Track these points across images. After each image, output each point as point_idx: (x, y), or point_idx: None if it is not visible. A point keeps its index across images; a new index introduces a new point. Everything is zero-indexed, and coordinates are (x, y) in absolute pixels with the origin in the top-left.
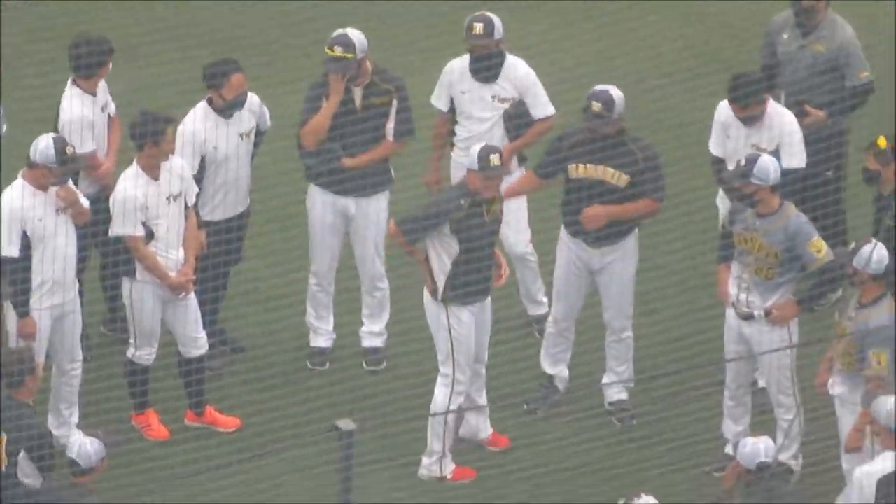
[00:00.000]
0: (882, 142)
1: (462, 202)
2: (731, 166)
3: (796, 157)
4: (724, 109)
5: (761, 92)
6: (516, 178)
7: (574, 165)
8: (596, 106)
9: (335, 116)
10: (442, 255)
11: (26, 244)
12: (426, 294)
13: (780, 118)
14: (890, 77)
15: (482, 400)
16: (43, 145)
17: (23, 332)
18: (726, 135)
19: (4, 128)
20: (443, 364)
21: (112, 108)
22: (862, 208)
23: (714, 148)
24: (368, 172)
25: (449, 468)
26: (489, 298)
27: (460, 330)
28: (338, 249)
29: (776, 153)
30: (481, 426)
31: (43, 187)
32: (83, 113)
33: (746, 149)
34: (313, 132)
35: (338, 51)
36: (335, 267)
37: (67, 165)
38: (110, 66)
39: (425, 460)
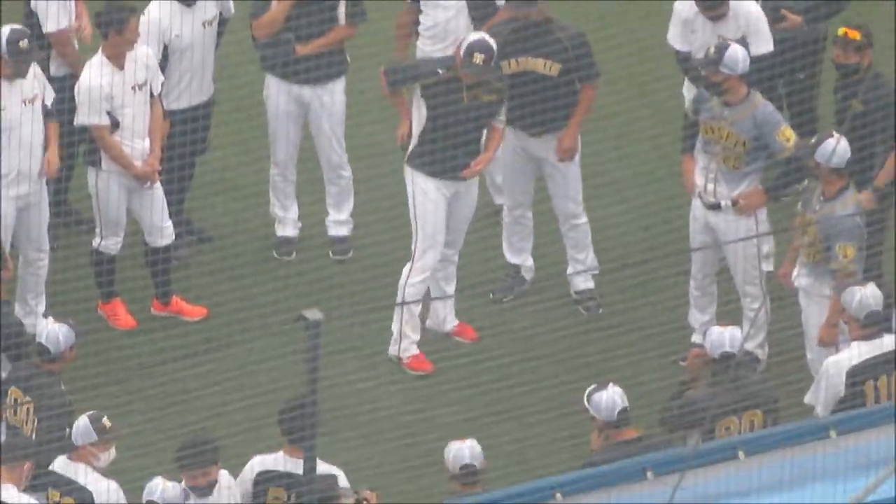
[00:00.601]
0: (850, 33)
1: (439, 70)
2: (700, 56)
3: (763, 44)
4: (686, 5)
5: None
6: None
7: (506, 62)
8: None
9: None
10: (417, 117)
11: None
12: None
13: (745, 7)
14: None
15: (450, 289)
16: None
17: None
18: (690, 30)
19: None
20: (413, 239)
21: None
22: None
23: (677, 43)
24: (323, 60)
25: (407, 352)
26: (471, 186)
27: (423, 200)
28: (296, 138)
29: (743, 41)
30: (448, 317)
31: (7, 76)
32: None
33: (713, 40)
34: (268, 24)
35: None
36: (295, 155)
37: (20, 56)
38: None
39: (391, 340)
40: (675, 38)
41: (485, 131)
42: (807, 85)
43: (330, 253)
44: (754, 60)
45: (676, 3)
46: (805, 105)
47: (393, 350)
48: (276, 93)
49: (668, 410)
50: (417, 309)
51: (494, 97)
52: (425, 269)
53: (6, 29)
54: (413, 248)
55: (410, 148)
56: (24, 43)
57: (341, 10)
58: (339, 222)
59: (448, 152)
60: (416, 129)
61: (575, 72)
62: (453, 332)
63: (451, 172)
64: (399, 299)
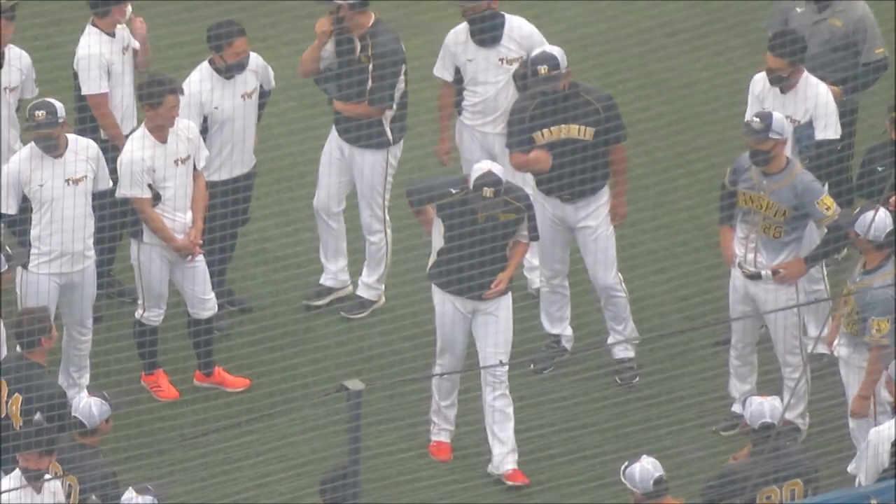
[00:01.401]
0: None
1: (452, 190)
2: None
3: (831, 129)
4: (758, 81)
5: (802, 52)
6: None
7: (539, 133)
8: (543, 69)
9: (339, 56)
10: (437, 234)
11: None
12: None
13: (815, 89)
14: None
15: (503, 435)
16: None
17: None
18: (762, 107)
19: (37, 90)
20: None
21: (135, 44)
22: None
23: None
24: (363, 125)
25: (435, 436)
26: (497, 306)
27: (441, 312)
28: (339, 186)
29: (809, 125)
30: (507, 460)
31: (52, 152)
32: (100, 50)
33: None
34: (301, 63)
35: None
36: (336, 204)
37: (33, 130)
38: (129, 9)
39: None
40: (749, 114)
41: (507, 248)
42: (844, 155)
43: (341, 310)
44: (819, 145)
45: (754, 78)
46: (843, 175)
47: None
48: (332, 136)
49: (709, 482)
50: (447, 402)
51: (513, 216)
52: (444, 368)
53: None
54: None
55: (430, 262)
56: (40, 115)
57: (368, 86)
58: (367, 284)
59: (465, 272)
60: (436, 245)
61: (606, 133)
62: (505, 476)
63: (469, 291)
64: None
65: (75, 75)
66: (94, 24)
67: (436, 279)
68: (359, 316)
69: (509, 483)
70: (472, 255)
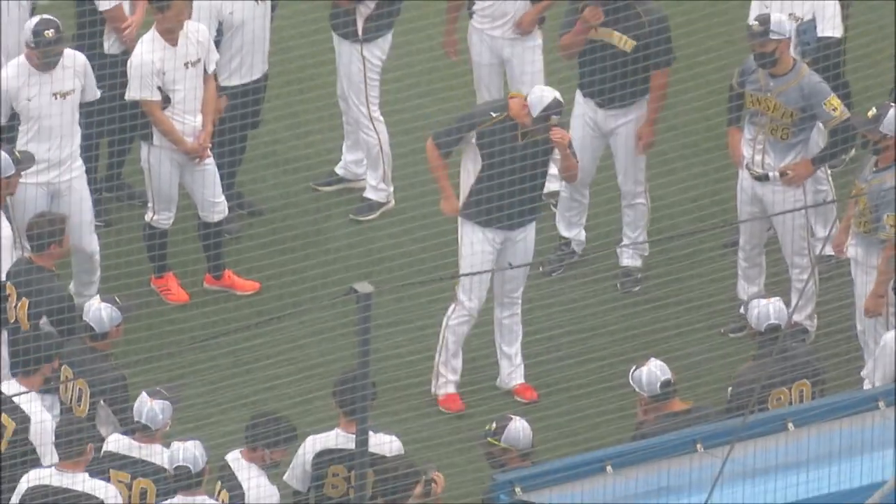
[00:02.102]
0: None
1: (493, 114)
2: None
3: (835, 27)
4: None
5: None
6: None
7: (580, 23)
8: None
9: None
10: (469, 167)
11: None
12: None
13: None
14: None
15: (512, 350)
16: (27, 25)
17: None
18: (764, 5)
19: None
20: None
21: None
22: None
23: (751, 19)
24: (340, 12)
25: (441, 390)
26: (523, 236)
27: (470, 252)
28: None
29: (811, 22)
30: (514, 375)
31: (40, 69)
32: None
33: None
34: None
35: None
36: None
37: (46, 48)
38: None
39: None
40: (752, 14)
41: (546, 169)
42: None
43: (350, 213)
44: (820, 41)
45: None
46: (839, 70)
47: (432, 386)
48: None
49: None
50: (455, 351)
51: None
52: (465, 313)
53: (34, 20)
54: (457, 292)
55: (462, 201)
56: (50, 33)
57: None
58: (372, 186)
59: (506, 200)
60: (468, 183)
61: (646, 50)
62: (514, 391)
63: (505, 221)
64: (440, 338)
65: None
66: None
67: (470, 214)
68: (367, 218)
69: (517, 398)
70: (512, 182)
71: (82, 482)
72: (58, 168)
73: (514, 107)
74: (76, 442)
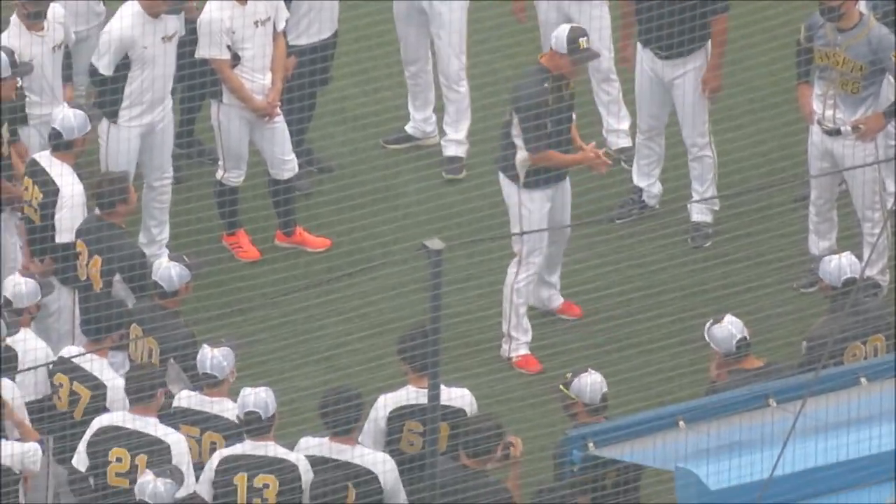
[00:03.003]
0: None
1: (546, 85)
2: None
3: None
4: None
5: None
6: None
7: None
8: None
9: None
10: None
11: (124, 67)
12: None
13: None
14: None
15: (553, 279)
16: None
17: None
18: None
19: None
20: (514, 241)
21: None
22: None
23: None
24: None
25: (516, 351)
26: (567, 181)
27: (528, 213)
28: (421, 41)
29: None
30: (553, 297)
31: (156, 15)
32: None
33: None
34: None
35: None
36: (424, 60)
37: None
38: None
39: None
40: None
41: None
42: None
43: (443, 172)
44: None
45: None
46: None
47: (503, 350)
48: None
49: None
50: (524, 311)
51: (573, 89)
52: (531, 270)
53: None
54: (519, 250)
55: (522, 177)
56: None
57: None
58: (455, 142)
59: (563, 150)
60: (524, 155)
61: (706, 2)
62: (558, 311)
63: (561, 177)
64: (507, 300)
65: None
66: None
67: (528, 182)
68: (460, 176)
69: (562, 317)
70: (567, 132)
71: (154, 426)
72: (158, 108)
73: (549, 62)
74: (147, 388)
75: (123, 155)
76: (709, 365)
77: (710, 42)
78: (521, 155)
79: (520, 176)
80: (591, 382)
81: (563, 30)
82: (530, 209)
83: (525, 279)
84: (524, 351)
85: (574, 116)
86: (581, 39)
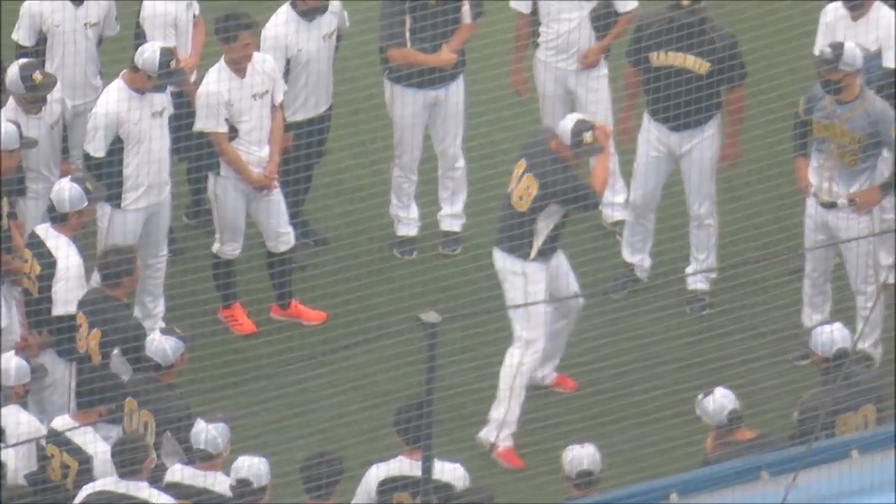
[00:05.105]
0: None
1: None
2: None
3: (894, 56)
4: (830, 10)
5: None
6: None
7: (655, 53)
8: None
9: (414, 14)
10: (550, 221)
11: (117, 146)
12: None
13: (888, 19)
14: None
15: (545, 379)
16: (148, 54)
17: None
18: (832, 36)
19: (117, 27)
20: (515, 324)
21: (196, 7)
22: None
23: (817, 49)
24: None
25: (504, 442)
26: (560, 254)
27: (535, 288)
28: (421, 140)
29: (878, 54)
30: (547, 372)
31: (142, 91)
32: (166, 9)
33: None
34: (405, 61)
35: None
36: (418, 158)
37: (168, 78)
38: None
39: (490, 420)
40: (818, 45)
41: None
42: None
43: (440, 247)
44: (888, 72)
45: (826, 7)
46: None
47: (483, 435)
48: (404, 101)
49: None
50: (524, 398)
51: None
52: (538, 351)
53: (153, 48)
54: (523, 333)
55: (536, 248)
56: (174, 63)
57: (465, 7)
58: (452, 216)
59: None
60: (545, 229)
61: (722, 72)
62: (553, 384)
63: (552, 250)
64: (506, 384)
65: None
66: None
67: (540, 254)
68: (456, 252)
69: (558, 389)
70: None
71: (146, 490)
72: (157, 190)
73: (556, 147)
74: (134, 455)
75: (122, 237)
76: (706, 437)
77: (720, 111)
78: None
79: (532, 251)
80: (577, 455)
81: (569, 122)
82: (536, 290)
83: (530, 360)
84: (509, 443)
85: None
86: (585, 134)
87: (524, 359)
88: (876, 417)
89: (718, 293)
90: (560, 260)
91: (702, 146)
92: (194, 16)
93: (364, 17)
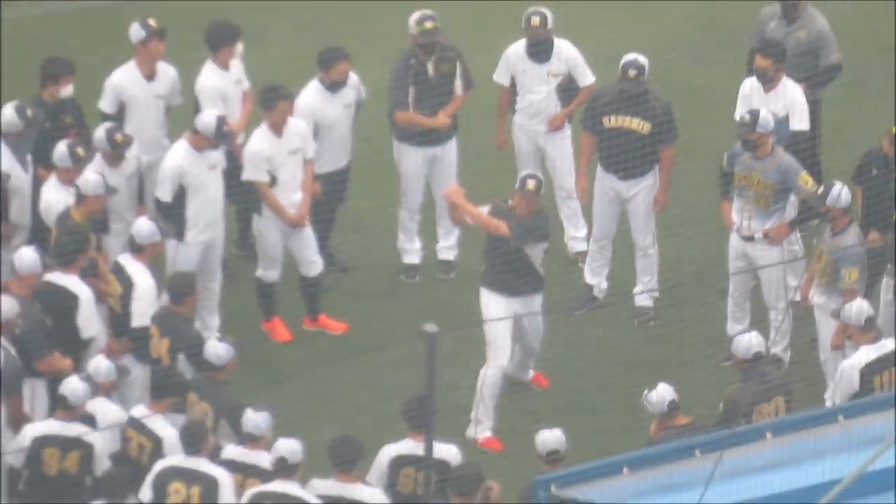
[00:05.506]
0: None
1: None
2: (739, 122)
3: (803, 122)
4: (746, 84)
5: (783, 55)
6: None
7: (607, 117)
8: (632, 73)
9: (416, 86)
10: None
11: (181, 193)
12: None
13: (793, 91)
14: (890, 79)
15: (525, 377)
16: (206, 120)
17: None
18: (749, 104)
19: (180, 99)
20: (486, 346)
21: (246, 84)
22: (834, 156)
23: (737, 115)
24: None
25: (481, 434)
26: (533, 301)
27: (488, 313)
28: (422, 188)
29: (786, 119)
30: (527, 373)
31: (201, 150)
32: (214, 83)
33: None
34: (408, 123)
35: (429, 24)
36: (420, 201)
37: (221, 140)
38: (238, 45)
39: (471, 419)
40: (739, 113)
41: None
42: (813, 142)
43: (437, 273)
44: (794, 135)
45: (744, 82)
46: (814, 157)
47: (469, 432)
48: (408, 156)
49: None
50: (492, 402)
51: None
52: (498, 371)
53: (210, 115)
54: (488, 354)
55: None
56: (226, 127)
57: (458, 82)
58: (447, 248)
59: (509, 272)
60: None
61: (660, 133)
62: (531, 381)
63: (511, 290)
64: (478, 392)
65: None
66: (212, 61)
67: (484, 277)
68: (450, 276)
69: (533, 386)
70: (518, 259)
71: (206, 464)
72: (213, 228)
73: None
74: (198, 436)
75: (184, 265)
76: (650, 423)
77: (656, 166)
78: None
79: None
80: (547, 437)
81: (521, 173)
82: (487, 314)
83: (492, 377)
84: (488, 433)
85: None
86: (529, 181)
87: (487, 372)
88: (785, 407)
89: (660, 309)
90: (536, 305)
91: (644, 192)
92: (243, 91)
93: (377, 89)
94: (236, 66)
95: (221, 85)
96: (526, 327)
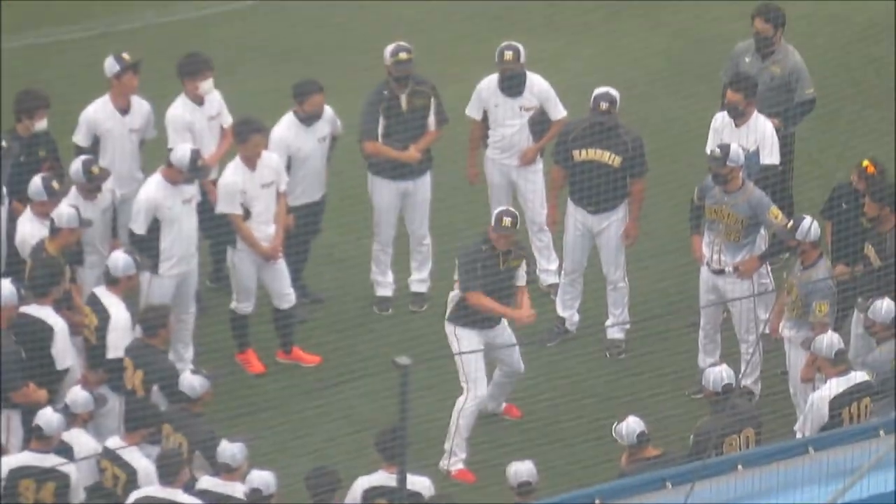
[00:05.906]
0: (867, 165)
1: (483, 247)
2: (710, 156)
3: (773, 156)
4: (718, 118)
5: (755, 89)
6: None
7: (578, 151)
8: (603, 105)
9: (388, 118)
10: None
11: (155, 226)
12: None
13: (763, 125)
14: (890, 82)
15: (497, 408)
16: (180, 154)
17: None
18: (720, 138)
19: (154, 132)
20: (461, 377)
21: (227, 119)
22: (803, 190)
23: (708, 148)
24: (426, 158)
25: (454, 466)
26: (504, 331)
27: (466, 347)
28: (396, 221)
29: (757, 153)
30: (499, 405)
31: (175, 183)
32: (181, 115)
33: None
34: (375, 153)
35: (403, 56)
36: (392, 235)
37: (196, 173)
38: (207, 80)
39: (444, 450)
40: (710, 146)
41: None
42: (785, 176)
43: (409, 305)
44: (764, 168)
45: (715, 116)
46: (785, 192)
47: (443, 464)
48: (381, 190)
49: (695, 441)
50: (466, 433)
51: (520, 262)
52: (476, 402)
53: (185, 149)
54: (463, 385)
55: (450, 310)
56: (201, 162)
57: (431, 118)
58: (419, 280)
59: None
60: (455, 294)
61: (631, 167)
62: (503, 413)
63: (488, 323)
64: (453, 423)
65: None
66: (185, 93)
67: (460, 317)
68: (423, 308)
69: (506, 417)
70: (498, 299)
71: (181, 495)
72: (186, 261)
73: (490, 235)
74: (173, 467)
75: (158, 298)
76: (621, 455)
77: (627, 199)
78: (454, 292)
79: (447, 309)
80: (517, 470)
81: (497, 210)
82: (466, 346)
83: (470, 408)
84: (461, 465)
85: (522, 275)
86: (505, 219)
87: (466, 404)
88: (755, 439)
89: (631, 341)
90: (502, 336)
91: (615, 225)
92: (222, 126)
93: (352, 122)
94: (215, 100)
95: (190, 117)
96: (500, 353)
